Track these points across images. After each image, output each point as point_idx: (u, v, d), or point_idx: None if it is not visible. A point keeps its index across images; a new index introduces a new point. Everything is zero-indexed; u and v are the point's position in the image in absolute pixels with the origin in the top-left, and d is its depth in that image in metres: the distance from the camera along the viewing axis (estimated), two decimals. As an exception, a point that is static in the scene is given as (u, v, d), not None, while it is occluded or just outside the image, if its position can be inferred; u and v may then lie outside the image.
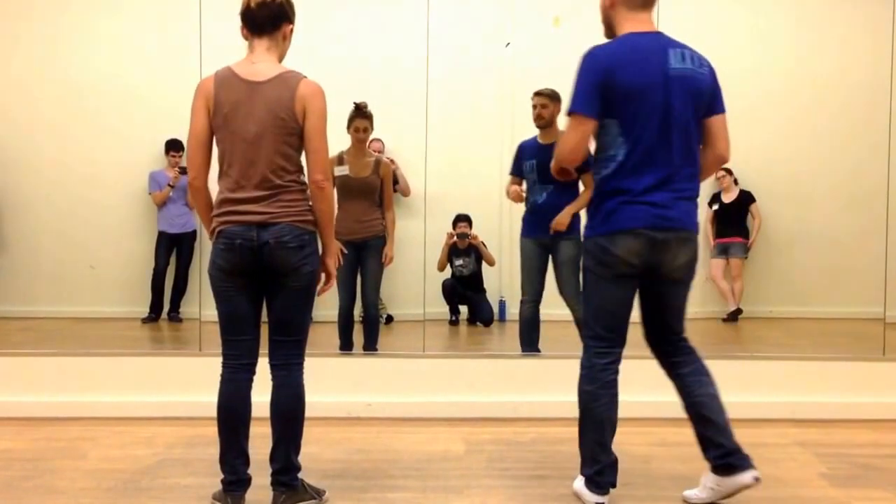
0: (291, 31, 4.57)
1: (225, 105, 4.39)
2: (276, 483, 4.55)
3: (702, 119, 4.50)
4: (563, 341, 7.09)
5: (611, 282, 4.53)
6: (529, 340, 7.31)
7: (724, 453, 4.52)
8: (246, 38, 4.52)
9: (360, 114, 7.37)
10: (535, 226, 7.24)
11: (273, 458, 4.55)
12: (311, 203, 4.50)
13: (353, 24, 8.85)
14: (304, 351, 4.63)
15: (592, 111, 4.38)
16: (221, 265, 4.45)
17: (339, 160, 7.34)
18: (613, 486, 4.63)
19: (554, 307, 7.23)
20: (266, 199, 4.39)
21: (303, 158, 4.51)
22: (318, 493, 4.68)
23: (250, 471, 4.57)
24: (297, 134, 4.41)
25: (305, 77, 4.45)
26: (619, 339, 4.62)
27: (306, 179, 4.51)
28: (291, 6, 4.54)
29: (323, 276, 4.64)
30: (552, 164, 4.71)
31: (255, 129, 4.37)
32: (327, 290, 4.69)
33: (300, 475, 4.61)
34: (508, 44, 9.03)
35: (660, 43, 4.42)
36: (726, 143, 4.55)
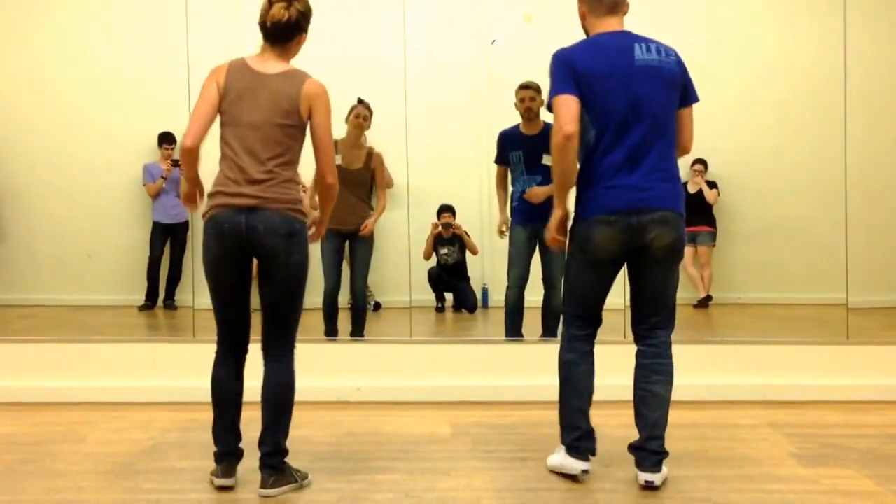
0: (304, 38, 4.74)
1: (232, 91, 4.56)
2: (264, 465, 4.65)
3: (676, 107, 4.71)
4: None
5: (591, 267, 4.77)
6: (514, 326, 7.39)
7: (638, 446, 4.80)
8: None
9: (363, 104, 7.60)
10: (527, 214, 7.30)
11: (262, 441, 4.66)
12: (302, 194, 4.68)
13: (331, 18, 8.88)
14: (294, 340, 4.75)
15: (571, 89, 4.60)
16: (213, 252, 4.57)
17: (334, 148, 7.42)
18: (593, 453, 4.82)
19: (538, 293, 7.36)
20: (260, 182, 4.51)
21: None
22: (303, 477, 4.80)
23: (244, 451, 4.73)
24: (298, 127, 4.58)
25: (311, 76, 4.64)
26: (595, 319, 4.89)
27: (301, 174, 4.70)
28: (307, 16, 4.71)
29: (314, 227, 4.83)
30: (555, 138, 4.66)
31: (257, 117, 4.53)
32: (317, 237, 4.87)
33: (287, 459, 4.73)
34: (494, 41, 9.10)
35: (625, 39, 4.67)
36: (690, 134, 4.78)
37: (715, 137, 9.09)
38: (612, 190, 4.62)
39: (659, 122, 4.63)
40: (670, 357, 4.82)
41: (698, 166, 9.47)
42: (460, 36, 9.29)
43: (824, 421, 6.15)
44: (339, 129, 7.54)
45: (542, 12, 8.49)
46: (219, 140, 4.66)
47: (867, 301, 7.84)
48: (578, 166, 4.76)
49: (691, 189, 9.63)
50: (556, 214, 4.82)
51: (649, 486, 4.70)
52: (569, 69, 4.62)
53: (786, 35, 9.21)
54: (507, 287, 7.47)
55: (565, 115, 4.58)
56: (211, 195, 4.63)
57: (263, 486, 4.64)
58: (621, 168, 4.61)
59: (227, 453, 4.70)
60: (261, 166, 4.53)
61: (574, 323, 4.89)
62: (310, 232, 4.79)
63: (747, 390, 6.67)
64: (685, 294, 9.37)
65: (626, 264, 4.83)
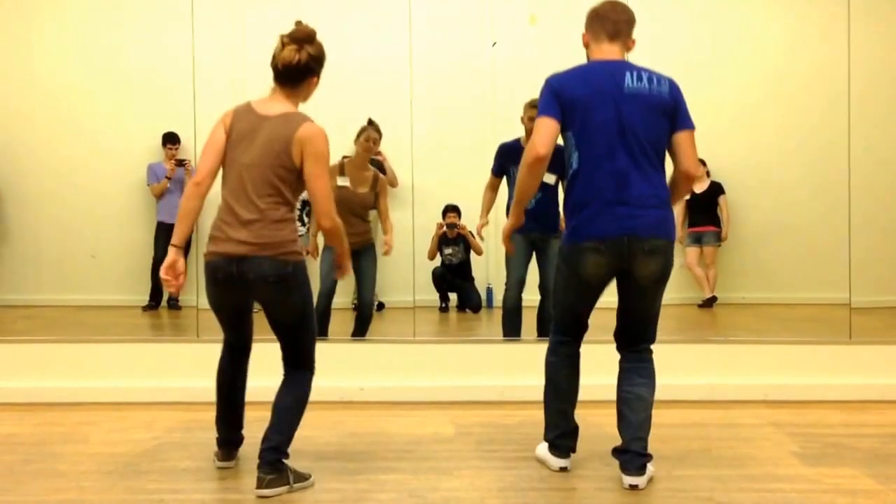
0: (316, 82, 4.75)
1: (234, 133, 4.61)
2: (263, 462, 4.61)
3: (668, 134, 4.73)
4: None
5: (578, 287, 4.84)
6: (512, 328, 7.43)
7: (623, 449, 4.81)
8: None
9: (374, 126, 7.58)
10: (526, 225, 7.27)
11: (265, 438, 4.65)
12: (296, 235, 4.66)
13: (338, 19, 8.93)
14: (310, 358, 4.81)
15: (553, 113, 4.68)
16: (212, 294, 4.69)
17: (341, 169, 7.52)
18: (573, 450, 4.99)
19: (535, 293, 7.39)
20: (250, 224, 4.54)
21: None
22: (303, 478, 4.75)
23: (244, 437, 4.83)
24: (290, 170, 4.56)
25: (310, 120, 4.62)
26: (580, 328, 4.99)
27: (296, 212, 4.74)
28: (319, 61, 4.70)
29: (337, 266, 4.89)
30: (527, 156, 4.76)
31: (251, 158, 4.55)
32: (343, 275, 4.93)
33: (290, 461, 4.71)
34: (495, 43, 9.11)
35: (619, 67, 4.71)
36: (692, 159, 4.77)
37: (720, 139, 9.14)
38: (603, 216, 4.66)
39: (647, 149, 4.67)
40: (651, 361, 4.90)
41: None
42: (466, 37, 9.33)
43: (826, 420, 6.16)
44: (347, 148, 7.58)
45: (547, 14, 8.52)
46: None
47: (871, 301, 7.86)
48: (566, 185, 4.86)
49: (697, 189, 9.66)
50: (509, 223, 5.28)
51: (634, 489, 4.72)
52: (556, 95, 4.70)
53: (791, 38, 9.27)
54: (506, 289, 7.53)
55: (541, 137, 4.67)
56: (209, 239, 4.68)
57: (259, 486, 4.60)
58: (609, 193, 4.65)
59: (228, 439, 4.83)
60: (251, 206, 4.55)
61: (560, 329, 5.00)
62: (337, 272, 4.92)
63: (750, 390, 6.67)
64: (690, 294, 9.42)
65: (616, 280, 4.87)
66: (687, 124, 4.76)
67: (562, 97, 4.68)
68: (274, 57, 4.65)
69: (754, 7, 9.25)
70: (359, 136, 7.64)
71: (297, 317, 4.70)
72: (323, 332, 7.53)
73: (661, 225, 4.72)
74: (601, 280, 4.79)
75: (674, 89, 4.75)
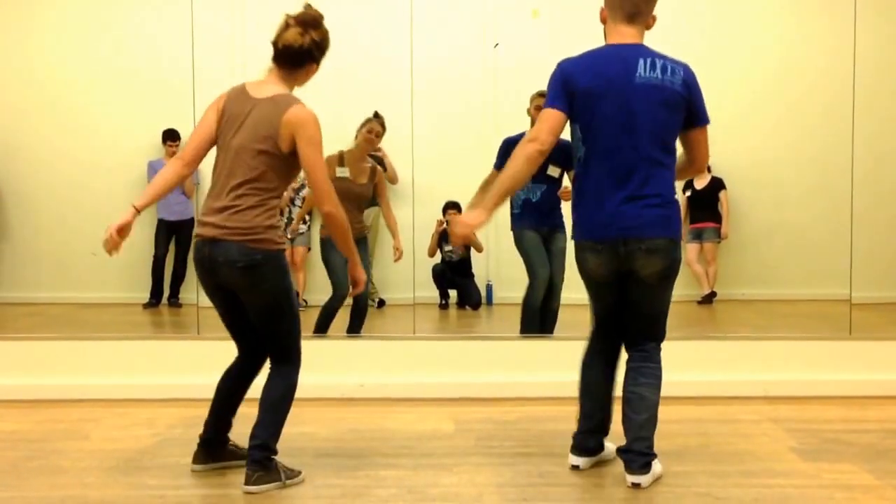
0: (316, 69, 4.69)
1: (225, 115, 4.55)
2: (250, 460, 4.61)
3: (681, 128, 4.64)
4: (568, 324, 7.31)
5: (591, 287, 4.86)
6: (534, 326, 7.30)
7: (625, 449, 4.75)
8: None
9: (379, 120, 7.58)
10: (534, 219, 7.32)
11: (251, 436, 4.64)
12: (274, 222, 4.56)
13: (339, 14, 8.93)
14: (292, 351, 4.73)
15: (558, 104, 4.58)
16: (199, 278, 4.69)
17: (340, 160, 7.48)
18: (593, 452, 4.90)
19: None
20: (226, 209, 4.48)
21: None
22: (293, 475, 4.73)
23: (228, 441, 4.85)
24: (275, 155, 4.47)
25: (300, 103, 4.51)
26: (612, 331, 4.92)
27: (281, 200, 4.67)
28: (321, 47, 4.64)
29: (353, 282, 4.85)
30: (527, 147, 4.60)
31: (237, 142, 4.49)
32: (357, 293, 4.93)
33: (286, 456, 4.74)
34: (497, 44, 9.11)
35: (632, 53, 4.57)
36: (705, 156, 4.74)
37: (722, 136, 9.10)
38: (599, 215, 4.61)
39: (654, 144, 4.56)
40: (658, 362, 4.80)
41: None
42: (467, 33, 9.32)
43: (825, 416, 6.16)
44: (345, 144, 7.58)
45: (549, 9, 8.52)
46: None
47: (871, 297, 7.86)
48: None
49: (698, 185, 9.66)
50: (480, 218, 4.61)
51: (636, 488, 4.69)
52: (564, 84, 4.59)
53: (794, 34, 9.26)
54: (533, 288, 7.36)
55: (544, 128, 4.59)
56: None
57: (246, 482, 4.59)
58: (608, 189, 4.58)
59: (205, 440, 4.83)
60: (229, 193, 4.50)
61: (595, 329, 4.98)
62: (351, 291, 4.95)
63: (749, 386, 6.67)
64: (689, 291, 9.42)
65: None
66: (702, 120, 4.67)
67: (570, 86, 4.57)
68: (276, 35, 4.57)
69: (759, 5, 9.24)
70: (362, 127, 7.60)
71: (269, 306, 4.61)
72: (323, 330, 7.52)
73: (662, 224, 4.60)
74: (605, 279, 4.73)
75: (689, 79, 4.60)
